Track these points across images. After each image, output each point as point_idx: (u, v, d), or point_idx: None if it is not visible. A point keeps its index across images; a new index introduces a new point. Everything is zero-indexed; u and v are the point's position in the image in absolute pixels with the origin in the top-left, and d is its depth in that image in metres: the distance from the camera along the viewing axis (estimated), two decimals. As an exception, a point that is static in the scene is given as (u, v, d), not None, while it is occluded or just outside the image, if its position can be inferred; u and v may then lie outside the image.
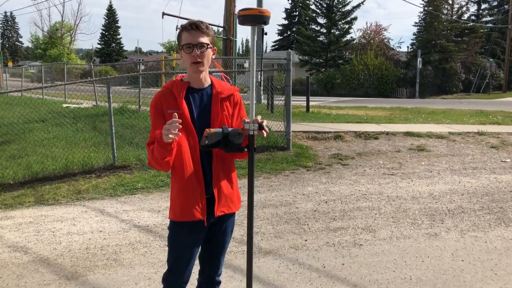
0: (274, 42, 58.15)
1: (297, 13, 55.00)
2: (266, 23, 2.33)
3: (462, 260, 4.06)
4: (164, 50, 73.83)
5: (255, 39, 2.41)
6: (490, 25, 42.85)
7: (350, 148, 9.05)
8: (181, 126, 2.19)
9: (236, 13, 15.98)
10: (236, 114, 2.60)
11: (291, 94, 8.69)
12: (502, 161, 8.11)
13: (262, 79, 17.38)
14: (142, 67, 21.06)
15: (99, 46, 70.28)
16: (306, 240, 4.57)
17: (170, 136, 2.18)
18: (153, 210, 5.65)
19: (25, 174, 7.43)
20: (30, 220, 5.41)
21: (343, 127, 10.77)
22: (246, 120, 2.42)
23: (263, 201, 5.91)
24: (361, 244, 4.45)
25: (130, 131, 9.73)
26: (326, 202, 5.86)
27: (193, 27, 2.40)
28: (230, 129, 2.34)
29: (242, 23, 2.34)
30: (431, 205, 5.69)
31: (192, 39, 2.39)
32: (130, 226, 5.11)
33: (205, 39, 2.42)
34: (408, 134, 10.10)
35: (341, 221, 5.12)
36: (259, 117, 2.39)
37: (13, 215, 5.69)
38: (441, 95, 35.66)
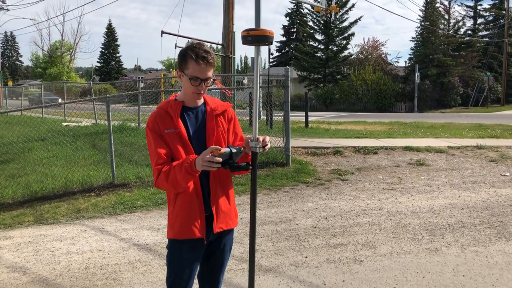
0: (273, 58, 58.55)
1: (295, 29, 55.47)
2: (270, 43, 2.35)
3: (463, 275, 4.04)
4: (164, 67, 74.27)
5: (259, 59, 2.43)
6: (487, 39, 43.17)
7: (349, 163, 9.06)
8: (220, 165, 2.25)
9: (237, 31, 16.07)
10: (231, 129, 2.63)
11: (290, 110, 8.73)
12: (501, 174, 8.11)
13: (261, 95, 17.50)
14: (142, 85, 21.15)
15: (98, 64, 70.73)
16: (306, 257, 4.55)
17: (210, 166, 2.24)
18: (152, 229, 5.63)
19: (24, 193, 7.42)
20: (29, 240, 5.39)
21: (342, 142, 10.79)
22: (249, 138, 2.43)
23: (263, 217, 5.90)
24: (361, 260, 4.43)
25: (130, 149, 9.75)
26: (326, 218, 5.85)
27: (203, 60, 2.40)
28: (235, 148, 2.35)
29: (246, 43, 2.35)
30: (431, 220, 5.67)
31: (200, 73, 2.41)
32: (130, 245, 5.08)
33: (211, 72, 2.46)
34: (408, 148, 10.11)
35: (341, 237, 5.11)
36: (260, 137, 2.41)
37: (12, 235, 5.67)
38: (440, 109, 35.80)
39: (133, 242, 5.18)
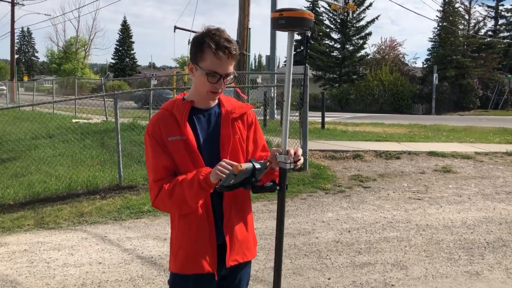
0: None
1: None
2: (309, 29, 1.82)
3: (514, 308, 3.50)
4: (177, 65, 74.06)
5: (292, 49, 1.92)
6: (508, 40, 42.05)
7: (370, 168, 8.50)
8: (234, 180, 1.82)
9: (252, 28, 15.53)
10: (251, 137, 2.13)
11: (308, 111, 8.20)
12: (537, 184, 7.51)
13: (275, 94, 16.96)
14: (155, 82, 20.79)
15: (113, 61, 70.76)
16: (329, 279, 4.03)
17: (223, 174, 1.80)
18: (158, 238, 5.16)
19: (26, 194, 7.01)
20: (25, 248, 4.95)
21: (361, 145, 10.23)
22: (277, 150, 1.93)
23: (271, 229, 5.38)
24: (392, 285, 3.90)
25: (139, 149, 9.30)
26: (349, 231, 5.32)
27: (225, 51, 1.89)
28: (258, 163, 1.85)
29: (278, 27, 1.82)
30: (466, 236, 5.12)
31: (220, 67, 1.92)
32: (133, 257, 4.62)
33: (232, 66, 1.97)
34: (432, 154, 9.52)
35: (368, 255, 4.58)
36: (292, 149, 1.91)
37: (8, 241, 5.24)
38: (458, 112, 34.88)
39: (136, 254, 4.71)
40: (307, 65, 8.16)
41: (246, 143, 2.10)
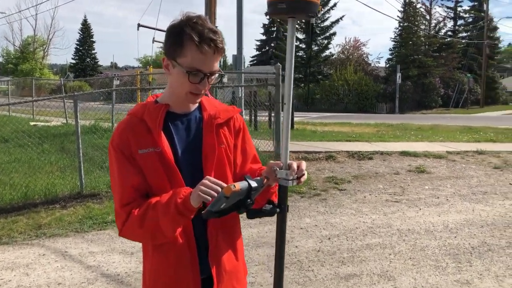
0: (252, 57, 57.58)
1: (275, 28, 54.71)
2: (313, 16, 1.49)
3: (512, 321, 3.28)
4: (140, 65, 72.62)
5: (294, 36, 1.59)
6: (467, 40, 43.21)
7: (344, 170, 8.29)
8: (220, 190, 1.46)
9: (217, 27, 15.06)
10: (239, 146, 1.79)
11: (281, 111, 7.89)
12: (510, 183, 7.46)
13: (243, 94, 16.64)
14: (117, 82, 20.06)
15: (73, 61, 68.59)
16: (314, 294, 3.73)
17: (207, 196, 1.44)
18: (125, 252, 4.73)
19: (-24, 206, 6.40)
20: (-27, 268, 4.43)
21: (333, 146, 10.03)
22: (276, 164, 1.59)
23: (256, 238, 5.06)
24: (382, 299, 3.64)
25: (102, 153, 8.77)
26: (329, 238, 5.04)
27: (210, 44, 1.53)
28: (254, 180, 1.50)
29: (276, 13, 1.50)
30: (450, 241, 4.92)
31: (205, 64, 1.55)
32: (97, 276, 4.18)
33: (218, 63, 1.61)
34: (404, 153, 9.41)
35: (352, 265, 4.30)
36: (294, 163, 1.57)
37: (-46, 260, 4.69)
38: (421, 110, 35.53)
39: (101, 272, 4.27)
40: (278, 64, 7.87)
41: (234, 153, 1.75)
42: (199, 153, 1.66)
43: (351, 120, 21.03)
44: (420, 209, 6.13)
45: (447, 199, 6.58)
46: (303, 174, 1.58)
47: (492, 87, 42.72)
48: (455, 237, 5.03)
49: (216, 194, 1.43)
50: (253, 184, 1.46)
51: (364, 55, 41.86)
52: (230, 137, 1.74)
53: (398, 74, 34.70)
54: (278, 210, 1.58)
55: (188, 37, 1.52)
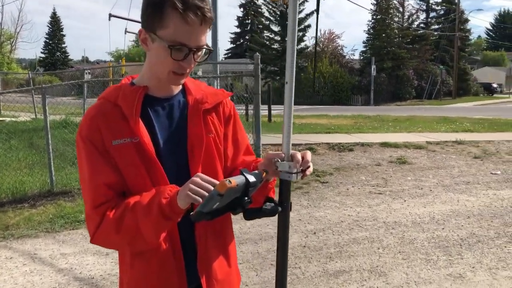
0: (227, 50, 57.14)
1: (249, 21, 54.35)
2: None
3: (511, 316, 3.15)
4: (112, 59, 71.18)
5: (297, 12, 1.36)
6: (439, 33, 43.76)
7: (325, 162, 8.13)
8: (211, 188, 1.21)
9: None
10: (230, 136, 1.54)
11: (260, 103, 7.66)
12: (491, 173, 7.42)
13: (218, 86, 16.34)
14: (88, 77, 19.46)
15: (42, 55, 66.78)
16: (303, 293, 3.53)
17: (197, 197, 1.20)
18: (99, 253, 4.44)
19: None
20: None
21: (313, 138, 9.87)
22: (277, 154, 1.35)
23: (238, 234, 4.83)
24: (375, 296, 3.46)
25: (73, 149, 8.37)
26: (315, 233, 4.85)
27: (197, 13, 1.27)
28: (252, 174, 1.26)
29: None
30: (438, 233, 4.79)
31: (190, 37, 1.29)
32: (69, 280, 3.88)
33: (205, 36, 1.35)
34: (385, 145, 9.31)
35: (340, 261, 4.12)
36: (298, 153, 1.35)
37: None
38: (395, 102, 35.81)
39: (73, 275, 3.97)
40: (257, 54, 7.61)
41: (225, 143, 1.51)
42: (184, 143, 1.41)
43: (327, 112, 20.97)
44: (405, 200, 6.01)
45: (431, 190, 6.48)
46: (309, 166, 1.35)
47: (464, 78, 43.37)
48: (443, 228, 4.91)
49: (208, 188, 1.19)
50: (251, 178, 1.22)
51: (339, 47, 41.98)
52: (219, 125, 1.50)
53: (373, 66, 34.85)
54: (279, 209, 1.34)
55: (170, 4, 1.26)
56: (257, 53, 7.39)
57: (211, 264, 1.43)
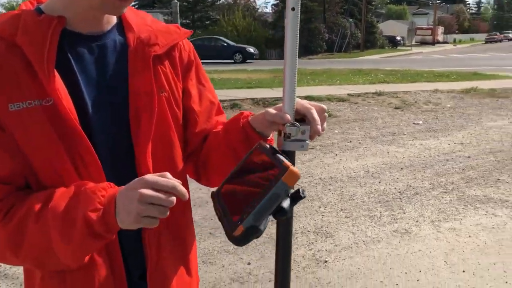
0: (135, 2, 54.02)
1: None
2: None
3: (464, 271, 3.07)
4: (4, 10, 64.52)
5: None
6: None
7: (251, 118, 7.81)
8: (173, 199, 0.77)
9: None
10: (193, 91, 1.08)
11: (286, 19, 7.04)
12: (414, 123, 7.57)
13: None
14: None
15: None
16: (249, 263, 3.22)
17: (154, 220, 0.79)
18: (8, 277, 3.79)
19: None
20: None
21: (235, 93, 9.48)
22: (284, 117, 0.92)
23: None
24: (325, 261, 3.24)
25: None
26: (251, 195, 4.55)
27: None
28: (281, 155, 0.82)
29: None
30: (375, 186, 4.70)
31: None
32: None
33: None
34: (309, 98, 9.14)
35: (283, 224, 3.86)
36: (312, 109, 0.94)
37: None
38: (308, 56, 36.17)
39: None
40: (175, 1, 6.93)
41: (186, 104, 1.06)
42: (124, 106, 0.92)
43: (245, 67, 20.56)
44: (337, 154, 5.88)
45: (360, 143, 6.43)
46: (323, 125, 0.96)
47: (371, 31, 44.83)
48: (379, 182, 4.83)
49: (172, 201, 0.76)
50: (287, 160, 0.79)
51: (252, 0, 41.26)
52: (175, 79, 1.02)
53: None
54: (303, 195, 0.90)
55: None
56: (175, 0, 6.73)
57: (165, 280, 1.00)
